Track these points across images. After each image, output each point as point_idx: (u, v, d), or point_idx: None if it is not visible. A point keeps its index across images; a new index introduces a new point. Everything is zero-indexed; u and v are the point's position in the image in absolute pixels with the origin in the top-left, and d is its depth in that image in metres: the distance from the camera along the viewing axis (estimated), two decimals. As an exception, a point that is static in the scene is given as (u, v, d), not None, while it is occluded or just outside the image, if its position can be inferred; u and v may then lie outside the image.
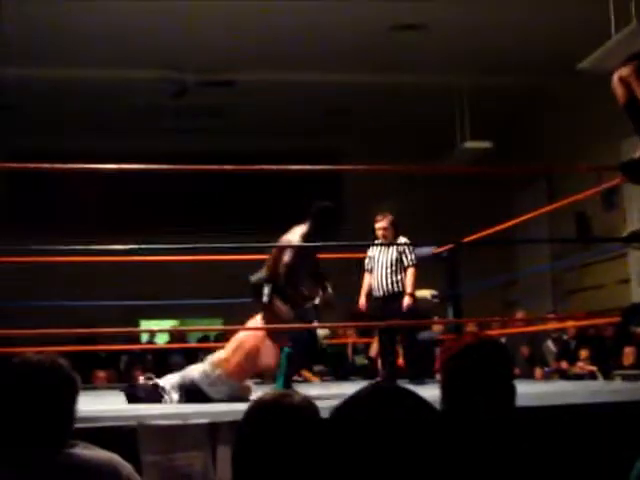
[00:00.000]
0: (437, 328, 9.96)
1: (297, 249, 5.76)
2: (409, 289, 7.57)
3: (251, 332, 5.45)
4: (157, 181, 12.09)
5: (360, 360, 10.70)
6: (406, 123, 13.43)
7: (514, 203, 13.62)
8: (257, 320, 5.68)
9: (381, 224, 7.64)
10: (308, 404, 1.93)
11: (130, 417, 3.53)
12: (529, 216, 7.79)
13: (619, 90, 5.06)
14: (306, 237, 5.80)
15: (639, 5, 8.52)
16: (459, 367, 2.16)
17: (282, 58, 11.08)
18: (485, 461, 2.05)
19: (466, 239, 7.73)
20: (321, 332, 8.05)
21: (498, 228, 7.29)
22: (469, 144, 12.51)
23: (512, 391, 2.22)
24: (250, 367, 5.39)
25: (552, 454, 2.21)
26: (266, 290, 5.67)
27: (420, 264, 7.80)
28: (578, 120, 12.08)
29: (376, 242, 7.68)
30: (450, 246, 8.10)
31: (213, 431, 3.38)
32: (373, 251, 7.80)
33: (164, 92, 11.78)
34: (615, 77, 5.12)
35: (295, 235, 5.84)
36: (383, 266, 7.67)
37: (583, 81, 9.80)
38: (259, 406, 1.92)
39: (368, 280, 7.82)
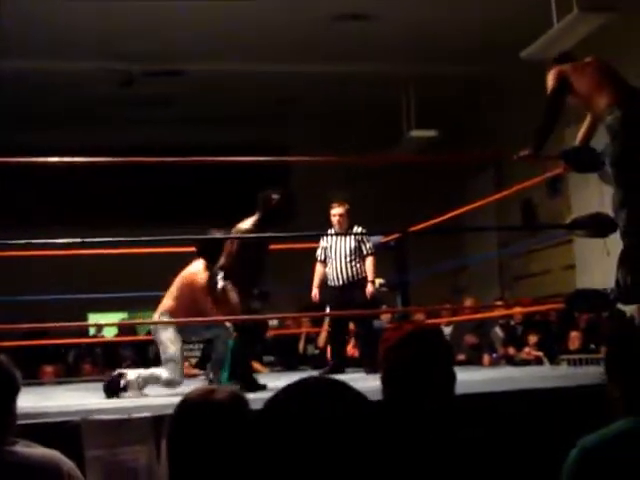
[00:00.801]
0: (386, 317, 10.00)
1: (244, 239, 5.78)
2: (371, 277, 7.62)
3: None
4: (105, 173, 11.96)
5: (312, 350, 10.72)
6: (354, 112, 13.44)
7: (462, 191, 13.69)
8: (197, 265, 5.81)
9: (337, 210, 7.66)
10: (235, 399, 1.93)
11: (74, 412, 3.50)
12: (476, 205, 7.84)
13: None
14: (255, 226, 5.82)
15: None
16: (398, 358, 2.16)
17: (230, 48, 11.03)
18: (424, 451, 2.07)
19: (413, 228, 7.77)
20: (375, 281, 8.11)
21: (446, 217, 7.33)
22: (415, 133, 12.57)
23: (452, 379, 2.23)
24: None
25: (494, 441, 2.22)
26: (218, 277, 5.73)
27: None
28: (522, 108, 12.17)
29: (332, 231, 7.69)
30: (398, 235, 8.13)
31: (157, 424, 3.37)
32: (328, 241, 7.79)
33: (110, 83, 11.68)
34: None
35: (245, 224, 5.87)
36: (341, 255, 7.67)
37: (527, 69, 9.87)
38: (186, 404, 1.93)
39: (321, 270, 7.83)
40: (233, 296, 5.73)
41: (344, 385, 1.48)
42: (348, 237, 7.65)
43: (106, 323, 11.82)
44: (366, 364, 7.41)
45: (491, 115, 13.81)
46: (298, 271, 8.16)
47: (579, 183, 10.60)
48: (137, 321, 12.68)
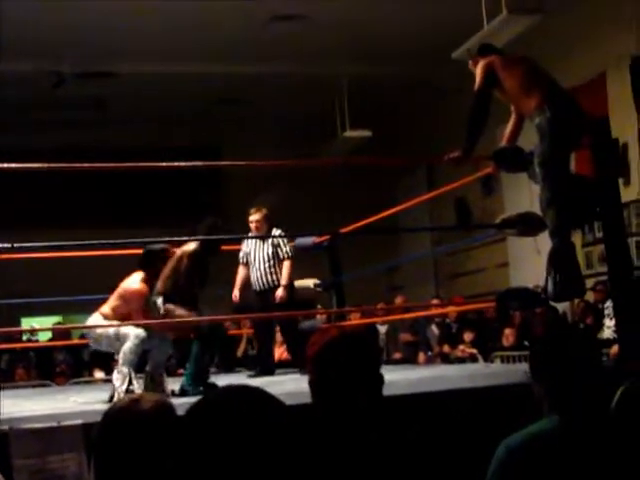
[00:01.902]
0: (320, 317, 10.03)
1: (192, 260, 5.94)
2: (284, 281, 7.63)
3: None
4: (37, 176, 11.81)
5: (252, 351, 10.73)
6: (289, 114, 13.45)
7: (395, 189, 13.79)
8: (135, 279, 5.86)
9: (254, 217, 7.64)
10: (160, 408, 1.92)
11: (2, 420, 3.45)
12: (409, 204, 7.91)
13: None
14: (202, 249, 5.98)
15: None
16: (323, 363, 2.18)
17: (164, 49, 10.97)
18: (350, 455, 2.08)
19: (348, 227, 7.80)
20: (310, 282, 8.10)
21: (379, 216, 7.37)
22: (349, 133, 12.65)
23: (378, 382, 2.25)
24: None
25: (425, 442, 2.25)
26: (159, 303, 5.80)
27: (299, 255, 7.87)
28: (454, 108, 12.29)
29: (250, 235, 7.69)
30: (329, 236, 8.16)
31: (88, 431, 3.34)
32: (248, 246, 7.79)
33: (41, 84, 11.53)
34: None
35: (190, 246, 5.99)
36: (260, 261, 7.69)
37: (458, 69, 9.97)
38: (111, 414, 1.92)
39: (243, 273, 7.84)
40: (181, 312, 5.83)
41: (261, 391, 1.52)
42: (266, 242, 7.67)
43: (40, 328, 11.64)
44: (299, 365, 7.43)
45: (425, 115, 13.92)
46: (230, 273, 8.15)
47: (512, 182, 10.74)
48: (72, 325, 12.54)
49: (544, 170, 4.95)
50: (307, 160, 12.25)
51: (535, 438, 2.33)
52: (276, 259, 7.67)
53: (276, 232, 7.69)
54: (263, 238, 7.62)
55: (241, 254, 7.86)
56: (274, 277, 7.67)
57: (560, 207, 4.92)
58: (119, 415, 1.90)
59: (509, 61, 5.32)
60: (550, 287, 4.93)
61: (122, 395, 5.17)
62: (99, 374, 10.42)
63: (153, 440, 1.84)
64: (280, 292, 7.55)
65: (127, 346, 5.51)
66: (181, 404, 1.99)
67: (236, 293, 7.84)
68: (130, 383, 5.35)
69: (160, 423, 1.87)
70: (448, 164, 5.51)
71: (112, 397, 5.25)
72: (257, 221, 7.62)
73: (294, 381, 6.06)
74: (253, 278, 7.73)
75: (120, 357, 5.53)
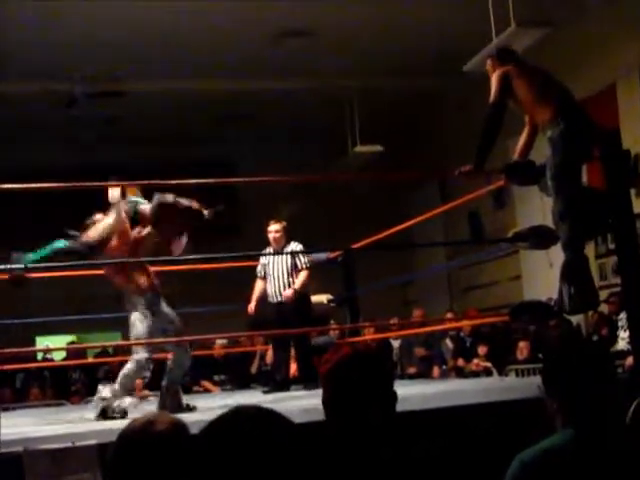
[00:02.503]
0: (334, 332, 10.02)
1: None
2: (297, 285, 7.68)
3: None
4: (52, 195, 11.80)
5: (265, 367, 10.71)
6: (301, 129, 13.49)
7: (410, 203, 13.78)
8: None
9: (274, 227, 7.77)
10: (176, 429, 1.92)
11: (17, 441, 3.46)
12: (422, 218, 7.89)
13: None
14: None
15: (517, 9, 8.76)
16: (336, 381, 2.18)
17: (175, 67, 11.03)
18: (365, 472, 2.08)
19: (361, 242, 7.80)
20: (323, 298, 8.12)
21: (393, 230, 7.35)
22: (360, 148, 12.66)
23: (392, 399, 2.25)
24: None
25: (441, 458, 2.25)
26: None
27: (315, 268, 7.89)
28: (466, 121, 12.30)
29: (268, 251, 7.74)
30: (342, 251, 8.17)
31: (102, 451, 3.34)
32: (267, 258, 7.84)
33: (53, 103, 11.60)
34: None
35: None
36: (279, 272, 7.73)
37: (469, 82, 9.98)
38: (126, 436, 1.92)
39: (261, 286, 7.86)
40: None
41: (272, 412, 1.54)
42: (285, 254, 7.71)
43: (55, 347, 11.65)
44: (305, 380, 7.55)
45: (436, 128, 13.93)
46: (244, 289, 8.16)
47: (524, 195, 10.73)
48: (86, 345, 12.57)
49: (557, 183, 4.94)
50: (319, 176, 12.30)
51: (549, 453, 2.31)
52: (294, 270, 7.73)
53: (294, 245, 7.74)
54: (280, 254, 7.66)
55: (259, 267, 7.90)
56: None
57: (573, 220, 4.90)
58: (134, 436, 1.89)
59: (526, 70, 5.27)
60: (565, 300, 4.91)
61: (116, 410, 5.15)
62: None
63: (168, 462, 1.84)
64: (289, 292, 7.61)
65: (126, 368, 5.48)
66: (194, 422, 1.99)
67: (252, 306, 7.85)
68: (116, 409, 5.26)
69: (175, 444, 1.87)
70: (460, 178, 5.49)
71: (104, 411, 5.17)
72: (277, 231, 7.72)
73: (309, 397, 6.04)
74: (271, 290, 7.77)
75: (119, 376, 5.49)
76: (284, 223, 7.80)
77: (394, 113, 13.25)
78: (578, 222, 4.93)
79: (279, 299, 7.71)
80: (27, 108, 11.79)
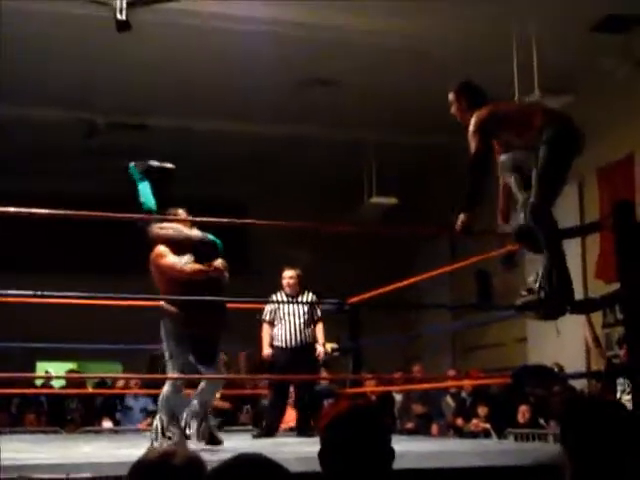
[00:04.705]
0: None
1: None
2: (322, 340, 7.79)
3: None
4: (58, 223, 11.85)
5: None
6: (318, 177, 13.55)
7: (419, 256, 13.78)
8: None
9: (290, 273, 7.81)
10: (192, 464, 1.93)
11: (10, 468, 3.44)
12: (429, 275, 7.88)
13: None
14: None
15: (542, 76, 8.83)
16: (332, 436, 2.18)
17: (196, 106, 11.13)
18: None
19: (369, 293, 7.78)
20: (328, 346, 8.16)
21: (398, 285, 7.35)
22: (375, 199, 12.71)
23: (388, 456, 2.24)
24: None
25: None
26: None
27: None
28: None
29: (282, 294, 7.76)
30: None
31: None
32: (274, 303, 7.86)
33: (74, 133, 11.69)
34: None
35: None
36: (294, 317, 7.76)
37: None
38: (143, 466, 1.92)
39: (270, 331, 7.84)
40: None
41: (270, 461, 1.58)
42: (300, 300, 7.75)
43: (56, 375, 11.59)
44: (302, 428, 7.66)
45: (451, 184, 13.96)
46: (250, 330, 8.16)
47: (534, 257, 10.70)
48: (87, 375, 12.54)
49: (543, 176, 4.92)
50: (327, 225, 12.29)
51: None
52: (310, 319, 7.77)
53: (310, 295, 7.82)
54: (294, 302, 7.69)
55: (267, 311, 7.88)
56: (307, 335, 7.75)
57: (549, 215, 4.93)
58: (150, 468, 1.89)
59: (500, 108, 5.29)
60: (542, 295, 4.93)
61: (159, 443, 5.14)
62: (107, 424, 10.37)
63: None
64: (322, 349, 7.71)
65: (165, 390, 5.45)
66: (211, 460, 1.99)
67: (268, 351, 7.83)
68: (165, 431, 5.25)
69: (192, 478, 1.87)
70: (459, 236, 5.49)
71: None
72: (291, 277, 7.77)
73: (305, 445, 6.01)
74: (283, 335, 7.76)
75: (159, 402, 5.47)
76: (298, 271, 7.85)
77: (412, 166, 13.31)
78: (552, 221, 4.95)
79: (294, 344, 7.72)
80: (46, 135, 11.87)
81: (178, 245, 5.57)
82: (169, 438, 5.19)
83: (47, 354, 12.34)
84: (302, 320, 7.75)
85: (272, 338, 7.83)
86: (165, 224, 5.67)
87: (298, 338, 7.72)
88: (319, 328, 7.83)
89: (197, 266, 5.50)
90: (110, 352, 11.35)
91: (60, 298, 6.78)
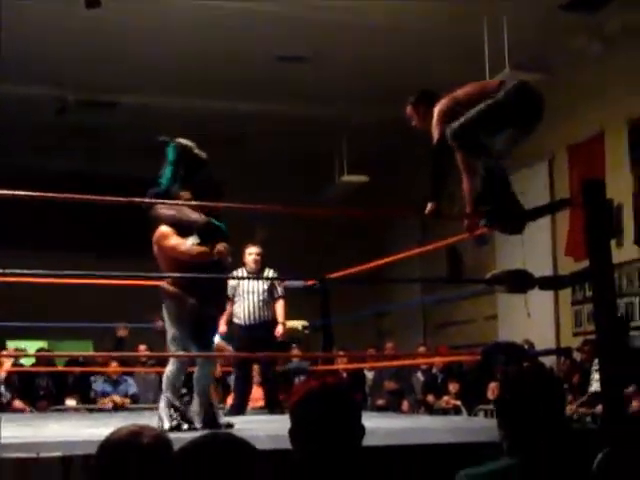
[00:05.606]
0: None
1: None
2: (281, 319, 7.71)
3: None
4: (29, 201, 11.73)
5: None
6: (288, 155, 13.50)
7: (390, 234, 13.81)
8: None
9: (255, 249, 7.82)
10: (159, 443, 1.94)
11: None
12: (401, 256, 7.88)
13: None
14: None
15: (513, 53, 8.84)
16: (301, 414, 2.19)
17: (167, 83, 11.05)
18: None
19: (339, 271, 7.79)
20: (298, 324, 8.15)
21: (370, 265, 7.35)
22: (346, 178, 12.72)
23: (358, 433, 2.24)
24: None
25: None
26: None
27: (292, 295, 7.94)
28: (453, 156, 12.35)
29: (244, 270, 7.73)
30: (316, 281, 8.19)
31: (66, 464, 3.32)
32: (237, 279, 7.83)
33: (44, 110, 11.58)
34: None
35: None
36: (253, 295, 7.73)
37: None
38: (111, 445, 1.93)
39: (229, 308, 7.81)
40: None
41: (240, 440, 1.69)
42: (264, 279, 7.76)
43: (24, 354, 11.54)
44: (270, 405, 7.75)
45: (423, 164, 13.96)
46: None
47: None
48: (57, 353, 12.45)
49: (485, 107, 5.05)
50: (295, 208, 12.27)
51: (494, 474, 2.37)
52: (269, 296, 7.74)
53: (270, 271, 7.76)
54: (257, 278, 7.67)
55: (228, 288, 7.87)
56: (266, 313, 7.74)
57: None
58: (118, 447, 1.90)
59: (458, 93, 5.34)
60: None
61: (170, 423, 5.13)
62: (71, 402, 10.33)
63: (148, 474, 1.85)
64: (280, 329, 7.67)
65: (168, 369, 5.43)
66: (178, 439, 2.00)
67: (224, 328, 7.82)
68: (174, 409, 5.23)
69: (158, 458, 1.88)
70: (428, 219, 5.52)
71: (172, 427, 5.11)
72: (258, 254, 7.73)
73: (275, 422, 6.04)
74: (242, 312, 7.76)
75: (163, 381, 5.44)
76: (261, 248, 7.84)
77: (384, 144, 13.28)
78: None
79: (252, 321, 7.72)
80: (16, 111, 11.74)
81: (181, 226, 5.53)
82: (175, 419, 5.17)
83: (16, 333, 12.26)
84: (262, 297, 7.76)
85: (231, 315, 7.83)
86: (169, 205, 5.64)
87: (257, 315, 7.73)
88: (279, 305, 7.82)
89: (202, 248, 5.48)
90: (79, 331, 11.30)
91: (25, 276, 6.71)
